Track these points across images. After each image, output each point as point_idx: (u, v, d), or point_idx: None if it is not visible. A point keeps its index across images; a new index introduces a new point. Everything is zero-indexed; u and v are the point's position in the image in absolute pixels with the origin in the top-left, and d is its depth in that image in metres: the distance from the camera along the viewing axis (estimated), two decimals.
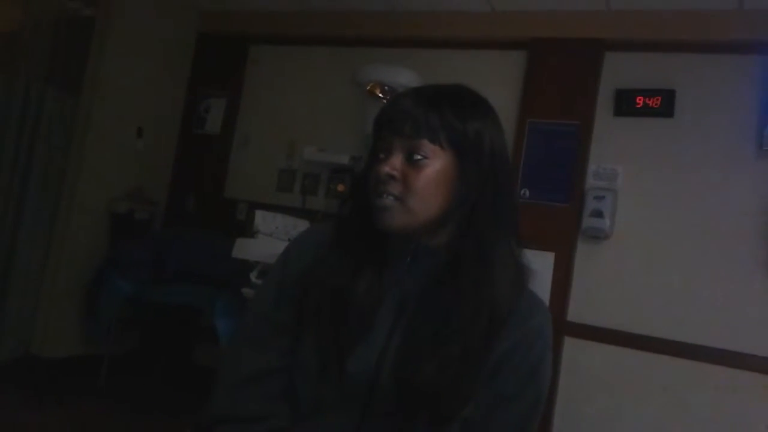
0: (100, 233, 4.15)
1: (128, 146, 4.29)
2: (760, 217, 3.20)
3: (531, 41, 3.74)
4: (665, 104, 3.41)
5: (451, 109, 1.05)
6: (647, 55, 3.53)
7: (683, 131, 3.40)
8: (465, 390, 1.02)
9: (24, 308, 3.91)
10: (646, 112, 3.45)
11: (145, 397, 3.92)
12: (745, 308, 3.17)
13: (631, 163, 3.48)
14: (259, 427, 1.11)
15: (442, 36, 3.97)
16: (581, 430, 3.41)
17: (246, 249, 3.22)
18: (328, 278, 1.10)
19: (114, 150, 4.18)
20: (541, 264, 3.37)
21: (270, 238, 3.27)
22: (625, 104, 3.50)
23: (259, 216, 3.31)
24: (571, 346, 3.46)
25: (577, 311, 3.49)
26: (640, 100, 3.46)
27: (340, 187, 4.08)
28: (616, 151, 3.52)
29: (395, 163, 1.05)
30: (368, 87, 3.65)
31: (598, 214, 3.40)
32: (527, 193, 3.56)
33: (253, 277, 3.14)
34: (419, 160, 1.04)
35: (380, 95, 3.62)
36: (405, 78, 3.59)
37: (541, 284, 3.27)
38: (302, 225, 3.45)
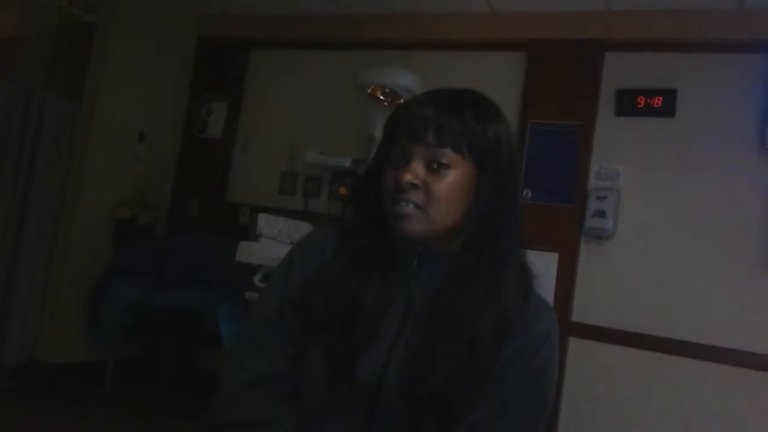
0: (103, 239, 4.15)
1: (130, 151, 4.29)
2: (762, 216, 3.20)
3: (531, 42, 3.74)
4: (667, 104, 3.41)
5: (472, 115, 1.05)
6: (648, 55, 3.53)
7: (685, 131, 3.40)
8: (472, 395, 1.02)
9: (28, 314, 3.92)
10: (648, 112, 3.45)
11: (150, 402, 3.92)
12: (748, 307, 3.17)
13: (633, 163, 3.48)
14: (263, 431, 1.11)
15: (442, 38, 3.98)
16: (587, 430, 3.41)
17: (249, 253, 3.23)
18: (336, 286, 1.09)
19: (116, 155, 4.19)
20: (544, 265, 3.37)
21: (273, 241, 3.27)
22: (626, 104, 3.50)
23: (262, 219, 3.32)
24: (575, 346, 3.46)
25: (581, 312, 3.49)
26: (641, 100, 3.46)
27: (342, 190, 4.08)
28: (618, 152, 3.52)
29: (417, 170, 1.04)
30: (369, 90, 3.65)
31: (601, 214, 3.40)
32: (529, 194, 3.56)
33: (256, 280, 3.14)
34: (442, 168, 1.03)
35: (381, 98, 3.63)
36: (406, 80, 3.59)
37: (545, 285, 3.27)
38: (305, 228, 3.45)
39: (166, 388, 4.15)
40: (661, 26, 3.44)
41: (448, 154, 1.03)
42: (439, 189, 1.03)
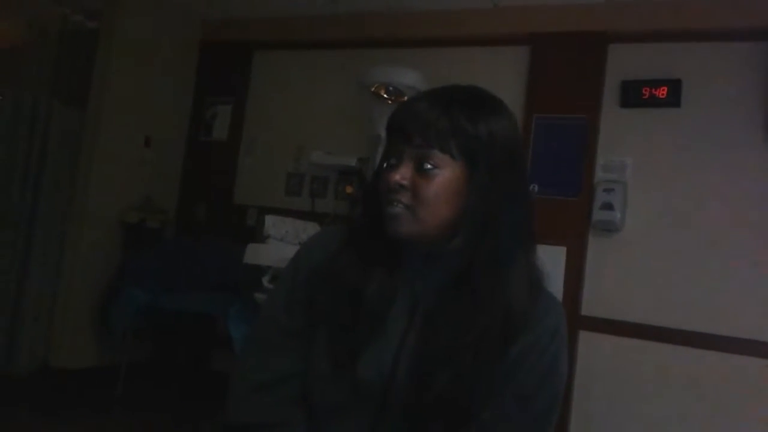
0: (112, 244, 4.17)
1: (136, 156, 4.31)
2: None
3: (534, 36, 3.73)
4: (671, 94, 3.40)
5: (462, 113, 1.04)
6: (652, 46, 3.51)
7: (690, 121, 3.38)
8: (481, 394, 1.02)
9: (40, 321, 3.94)
10: (653, 102, 3.44)
11: (162, 405, 3.94)
12: (757, 296, 3.16)
13: (640, 154, 3.47)
14: None
15: (445, 34, 3.97)
16: (598, 423, 3.41)
17: (257, 254, 3.24)
18: (339, 277, 1.09)
19: (122, 161, 4.20)
20: (553, 259, 3.36)
21: (281, 242, 3.28)
22: (631, 96, 3.49)
23: (269, 221, 3.33)
24: (585, 339, 3.45)
25: (590, 305, 3.48)
26: (646, 91, 3.45)
27: (348, 189, 4.09)
28: (623, 143, 3.51)
29: (405, 172, 1.04)
30: (373, 88, 3.65)
31: (609, 206, 3.39)
32: (536, 188, 3.56)
33: (265, 281, 3.15)
34: (429, 169, 1.03)
35: (385, 96, 3.63)
36: (409, 78, 3.59)
37: (554, 279, 3.26)
38: (312, 228, 3.46)
39: (179, 391, 4.16)
40: (664, 16, 3.42)
41: (435, 155, 1.03)
42: (427, 190, 1.03)
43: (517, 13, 3.76)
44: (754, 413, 3.10)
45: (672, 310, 3.31)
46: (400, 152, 1.05)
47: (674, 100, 3.39)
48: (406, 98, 3.23)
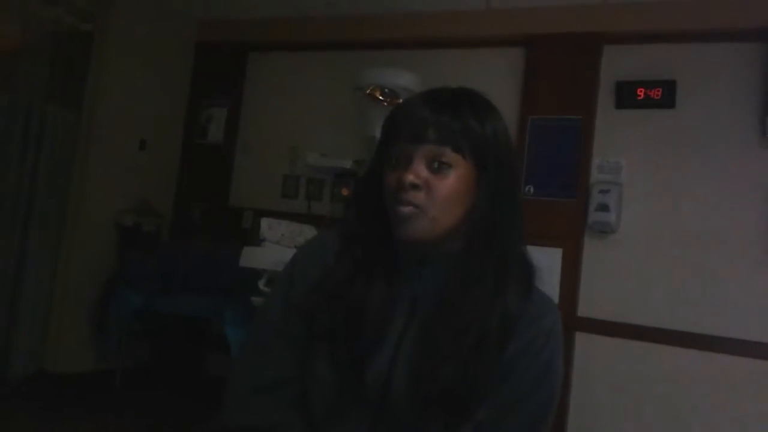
0: (107, 247, 4.16)
1: (132, 159, 4.30)
2: (765, 205, 3.19)
3: (529, 37, 3.74)
4: (666, 95, 3.41)
5: (470, 114, 1.04)
6: (646, 47, 3.52)
7: (685, 121, 3.39)
8: (478, 394, 1.02)
9: (35, 325, 3.93)
10: (648, 103, 3.45)
11: (158, 409, 3.93)
12: (753, 297, 3.16)
13: (635, 155, 3.48)
14: None
15: (440, 36, 3.98)
16: (596, 424, 3.41)
17: (253, 257, 3.23)
18: (339, 293, 1.08)
19: (118, 163, 4.19)
20: (549, 260, 3.37)
21: (277, 245, 3.27)
22: (626, 97, 3.50)
23: (265, 224, 3.32)
24: (582, 341, 3.46)
25: (587, 306, 3.48)
26: (641, 91, 3.46)
27: (345, 192, 4.08)
28: (619, 144, 3.51)
29: (419, 171, 1.03)
30: (368, 90, 3.65)
31: (604, 207, 3.39)
32: (532, 189, 3.56)
33: (261, 285, 3.14)
34: (443, 168, 1.03)
35: (380, 98, 3.62)
36: (404, 80, 3.59)
37: (550, 281, 3.27)
38: (308, 231, 3.45)
39: (175, 395, 4.15)
40: (659, 18, 3.43)
41: (448, 154, 1.03)
42: (441, 189, 1.02)
43: (512, 14, 3.76)
44: (751, 414, 3.10)
45: (668, 311, 3.31)
46: (408, 152, 1.05)
47: (669, 101, 3.40)
48: (401, 100, 3.23)
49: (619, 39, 3.56)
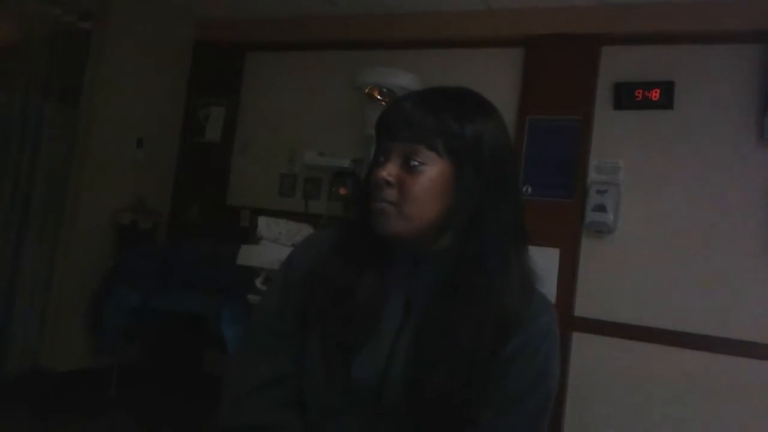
0: (104, 245, 4.15)
1: (129, 157, 4.29)
2: (762, 205, 3.20)
3: (528, 38, 3.74)
4: (664, 96, 3.41)
5: (449, 113, 1.05)
6: (645, 48, 3.52)
7: (683, 122, 3.40)
8: (475, 395, 1.02)
9: (31, 322, 3.92)
10: (646, 104, 3.45)
11: (154, 407, 3.92)
12: (751, 297, 3.17)
13: (633, 156, 3.48)
14: None
15: (439, 36, 3.97)
16: (592, 424, 3.41)
17: (250, 256, 3.23)
18: (331, 280, 1.10)
19: (115, 161, 4.19)
20: (546, 260, 3.37)
21: (274, 244, 3.27)
22: (624, 98, 3.50)
23: (263, 222, 3.32)
24: (579, 341, 3.46)
25: (584, 306, 3.48)
26: (639, 93, 3.46)
27: (342, 191, 4.08)
28: (617, 145, 3.52)
29: (391, 169, 1.05)
30: (367, 90, 3.65)
31: (601, 208, 3.40)
32: (529, 189, 3.56)
33: (258, 283, 3.15)
34: (416, 166, 1.04)
35: (379, 97, 3.63)
36: (403, 80, 3.60)
37: (548, 281, 3.26)
38: (306, 230, 3.45)
39: (171, 393, 4.15)
40: (657, 19, 3.43)
41: (422, 152, 1.04)
42: (413, 187, 1.03)
43: (511, 15, 3.76)
44: (747, 414, 3.10)
45: (665, 311, 3.32)
46: (388, 150, 1.06)
47: (667, 102, 3.41)
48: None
49: (617, 40, 3.56)
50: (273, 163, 4.41)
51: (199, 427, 3.40)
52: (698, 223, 3.31)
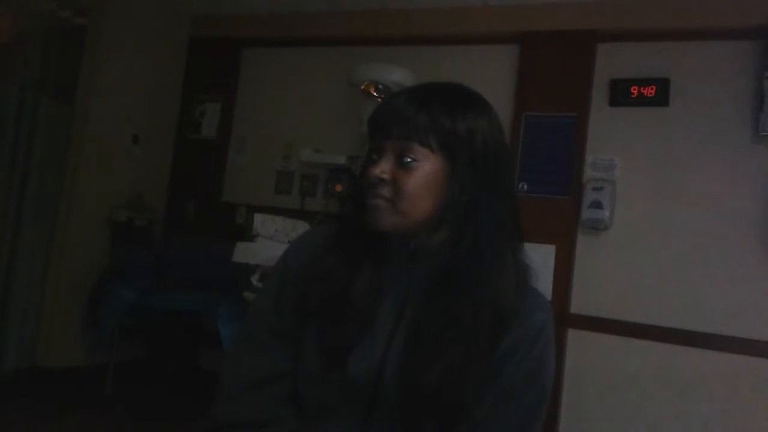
0: (100, 242, 4.15)
1: (125, 154, 4.28)
2: (758, 202, 3.21)
3: (523, 35, 3.74)
4: (660, 93, 3.41)
5: (441, 108, 1.05)
6: (640, 45, 3.53)
7: (679, 119, 3.40)
8: (470, 391, 1.02)
9: (27, 319, 3.91)
10: (641, 101, 3.45)
11: (151, 405, 3.92)
12: (746, 294, 3.18)
13: (628, 153, 3.48)
14: None
15: (435, 32, 3.97)
16: (588, 421, 3.42)
17: (246, 253, 3.23)
18: (326, 277, 1.10)
19: (110, 158, 4.18)
20: (542, 257, 3.38)
21: (270, 240, 3.27)
22: (620, 94, 3.50)
23: (258, 219, 3.31)
24: (574, 338, 3.47)
25: (579, 303, 3.49)
26: (634, 89, 3.46)
27: (338, 188, 4.08)
28: (612, 142, 3.52)
29: (385, 165, 1.05)
30: (363, 86, 3.65)
31: (597, 205, 3.40)
32: (525, 186, 3.56)
33: (254, 280, 3.14)
34: (409, 162, 1.04)
35: (375, 94, 3.62)
36: (399, 76, 3.59)
37: (543, 277, 3.28)
38: (302, 227, 3.45)
39: (167, 390, 4.15)
40: (653, 15, 3.44)
41: (415, 149, 1.04)
42: (407, 183, 1.04)
43: (506, 11, 3.76)
44: (745, 411, 3.11)
45: (660, 308, 3.32)
46: (381, 147, 1.07)
47: (663, 98, 3.41)
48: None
49: (613, 37, 3.56)
50: (269, 159, 4.41)
51: (195, 425, 3.40)
52: (694, 219, 3.31)
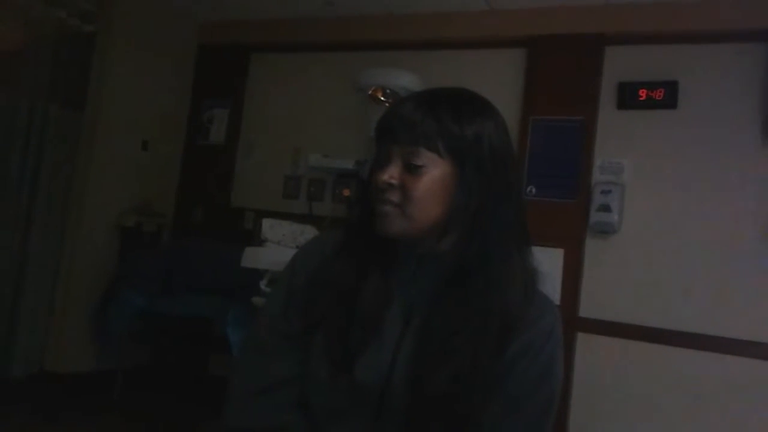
0: (109, 248, 4.16)
1: (133, 160, 4.30)
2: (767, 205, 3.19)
3: (530, 38, 3.74)
4: (668, 96, 3.40)
5: (448, 114, 1.05)
6: (648, 48, 3.52)
7: (687, 122, 3.39)
8: (478, 396, 1.02)
9: (36, 325, 3.93)
10: (650, 104, 3.44)
11: (160, 410, 3.92)
12: (756, 297, 3.16)
13: (637, 156, 3.47)
14: None
15: (441, 37, 3.97)
16: (597, 425, 3.40)
17: (255, 258, 3.22)
18: (334, 281, 1.10)
19: (119, 164, 4.20)
20: (550, 261, 3.36)
21: (278, 245, 3.27)
22: (628, 97, 3.49)
23: (267, 224, 3.32)
24: (584, 341, 3.45)
25: (588, 307, 3.48)
26: (643, 92, 3.45)
27: (346, 192, 4.08)
28: (621, 145, 3.51)
29: (393, 171, 1.05)
30: (370, 91, 3.65)
31: (606, 208, 3.39)
32: (533, 190, 3.56)
33: (262, 285, 3.14)
34: (417, 168, 1.04)
35: (382, 99, 3.63)
36: (406, 80, 3.59)
37: (552, 281, 3.26)
38: (310, 231, 3.45)
39: (176, 396, 4.15)
40: (661, 18, 3.43)
41: (423, 154, 1.04)
42: (415, 188, 1.04)
43: (513, 15, 3.76)
44: (753, 415, 3.09)
45: (670, 312, 3.31)
46: (389, 152, 1.07)
47: (671, 101, 3.40)
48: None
49: (621, 40, 3.55)
50: (277, 164, 4.42)
51: (204, 430, 3.40)
52: (703, 223, 3.30)
